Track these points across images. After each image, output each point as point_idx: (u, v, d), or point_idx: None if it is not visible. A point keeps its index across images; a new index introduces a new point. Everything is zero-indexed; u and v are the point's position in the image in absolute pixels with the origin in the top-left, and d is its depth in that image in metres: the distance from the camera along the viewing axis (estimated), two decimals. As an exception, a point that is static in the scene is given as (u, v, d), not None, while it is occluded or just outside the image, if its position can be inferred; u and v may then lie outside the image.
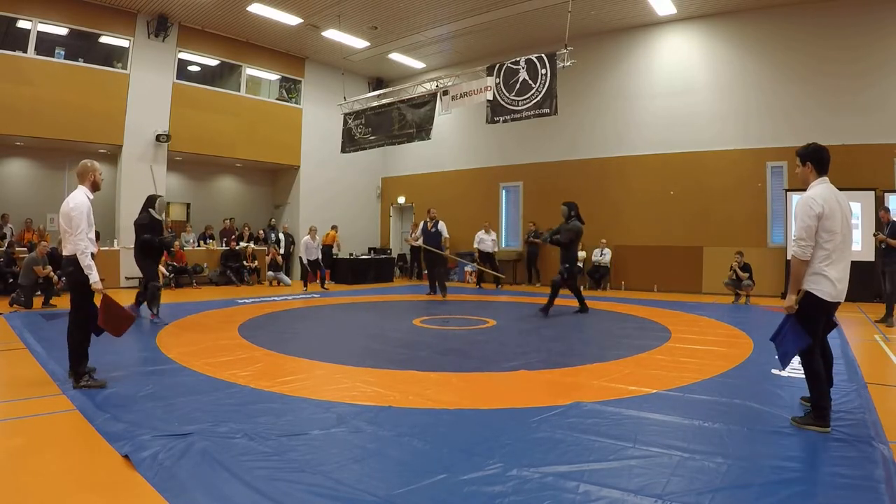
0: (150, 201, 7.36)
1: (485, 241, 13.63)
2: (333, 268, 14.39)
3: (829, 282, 3.21)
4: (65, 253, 4.18)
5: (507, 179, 14.74)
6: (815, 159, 3.38)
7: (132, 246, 7.54)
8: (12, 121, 10.52)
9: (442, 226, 11.16)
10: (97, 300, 4.19)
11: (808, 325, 3.29)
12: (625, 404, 3.74)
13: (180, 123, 12.61)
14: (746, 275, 9.98)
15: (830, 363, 3.56)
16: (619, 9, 11.68)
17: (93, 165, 4.26)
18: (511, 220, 14.88)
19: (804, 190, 3.46)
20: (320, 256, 12.50)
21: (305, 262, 12.26)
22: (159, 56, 12.21)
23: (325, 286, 12.44)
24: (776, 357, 5.18)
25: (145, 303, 7.40)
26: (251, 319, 7.71)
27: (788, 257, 10.17)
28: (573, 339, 6.63)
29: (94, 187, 4.25)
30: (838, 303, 3.32)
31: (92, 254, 4.07)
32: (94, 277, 4.02)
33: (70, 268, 4.11)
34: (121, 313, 4.28)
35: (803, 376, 4.39)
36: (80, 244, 3.98)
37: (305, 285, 12.28)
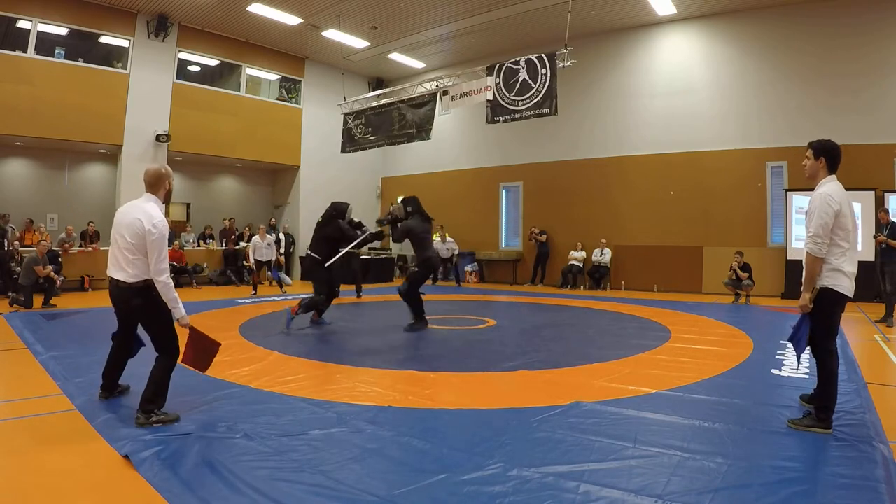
0: (341, 212, 6.65)
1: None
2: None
3: (847, 277, 3.25)
4: (123, 278, 3.33)
5: (507, 179, 14.74)
6: (831, 156, 3.38)
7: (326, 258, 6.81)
8: (12, 121, 10.51)
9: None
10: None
11: (829, 322, 3.29)
12: (625, 404, 3.74)
13: (180, 123, 12.61)
14: (746, 275, 9.97)
15: None
16: (619, 9, 11.67)
17: (168, 171, 3.54)
18: (511, 219, 14.88)
19: (807, 189, 3.47)
20: (273, 258, 11.63)
21: (252, 262, 11.34)
22: (159, 56, 12.21)
23: (284, 289, 11.63)
24: (776, 357, 5.24)
25: (305, 305, 6.75)
26: (251, 319, 7.71)
27: (789, 257, 10.36)
28: (573, 339, 6.62)
29: (167, 197, 3.56)
30: (850, 298, 3.34)
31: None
32: (180, 312, 3.35)
33: (138, 300, 3.36)
34: (208, 344, 3.65)
35: (803, 376, 4.43)
36: (163, 276, 3.27)
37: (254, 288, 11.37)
